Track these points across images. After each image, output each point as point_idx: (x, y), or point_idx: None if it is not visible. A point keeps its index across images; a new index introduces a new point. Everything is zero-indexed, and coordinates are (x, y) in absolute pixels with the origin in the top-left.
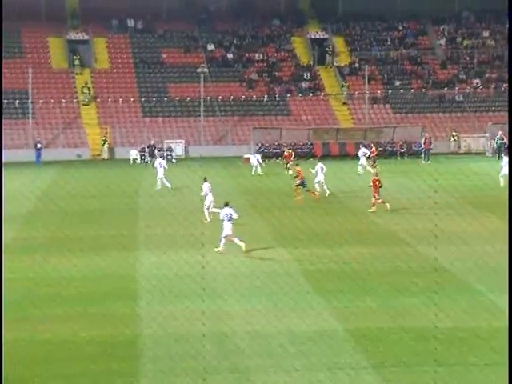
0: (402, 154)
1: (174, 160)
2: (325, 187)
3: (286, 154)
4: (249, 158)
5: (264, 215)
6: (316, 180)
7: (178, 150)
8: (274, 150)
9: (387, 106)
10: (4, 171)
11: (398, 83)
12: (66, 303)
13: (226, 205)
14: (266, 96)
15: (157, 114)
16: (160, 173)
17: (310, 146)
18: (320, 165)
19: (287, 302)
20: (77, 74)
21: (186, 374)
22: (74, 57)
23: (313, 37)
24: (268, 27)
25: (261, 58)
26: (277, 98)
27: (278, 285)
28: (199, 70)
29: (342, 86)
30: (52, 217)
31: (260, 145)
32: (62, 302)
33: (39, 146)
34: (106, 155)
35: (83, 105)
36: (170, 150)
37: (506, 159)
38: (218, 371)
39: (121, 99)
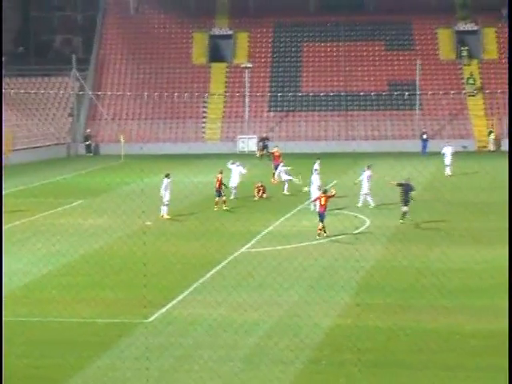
0: None
1: None
2: None
3: None
4: None
5: None
6: None
7: None
8: None
9: None
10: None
11: None
12: (451, 294)
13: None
14: None
15: None
16: None
17: None
18: None
19: None
20: (464, 65)
21: None
22: (462, 48)
23: None
24: None
25: None
26: None
27: None
28: None
29: None
30: (435, 206)
31: None
32: (446, 292)
33: (425, 136)
34: (491, 147)
35: (469, 96)
36: None
37: None
38: None
39: None
